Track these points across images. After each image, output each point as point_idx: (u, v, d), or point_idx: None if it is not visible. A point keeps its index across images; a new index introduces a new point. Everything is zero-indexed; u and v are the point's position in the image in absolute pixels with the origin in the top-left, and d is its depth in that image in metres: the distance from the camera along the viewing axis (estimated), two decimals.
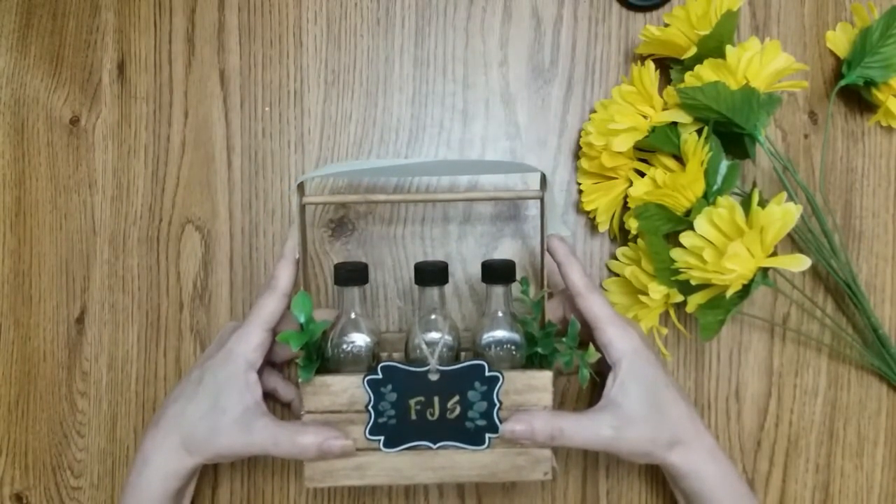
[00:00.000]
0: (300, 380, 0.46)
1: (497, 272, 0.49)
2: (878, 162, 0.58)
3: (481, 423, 0.47)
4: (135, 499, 0.48)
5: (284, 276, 0.49)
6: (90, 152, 0.59)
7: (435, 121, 0.58)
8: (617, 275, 0.56)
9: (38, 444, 0.58)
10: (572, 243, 0.57)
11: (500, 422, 0.46)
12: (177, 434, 0.48)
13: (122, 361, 0.58)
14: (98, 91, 0.59)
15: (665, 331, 0.56)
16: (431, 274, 0.48)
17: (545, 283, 0.50)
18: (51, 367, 0.58)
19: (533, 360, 0.49)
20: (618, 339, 0.47)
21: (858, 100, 0.58)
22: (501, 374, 0.46)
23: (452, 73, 0.58)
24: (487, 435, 0.47)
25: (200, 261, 0.58)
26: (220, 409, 0.47)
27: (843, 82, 0.55)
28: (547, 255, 0.50)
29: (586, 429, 0.46)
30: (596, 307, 0.48)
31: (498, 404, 0.46)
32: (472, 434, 0.47)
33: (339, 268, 0.49)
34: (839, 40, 0.58)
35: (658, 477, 0.56)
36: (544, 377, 0.47)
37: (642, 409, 0.47)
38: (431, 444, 0.47)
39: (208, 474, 0.57)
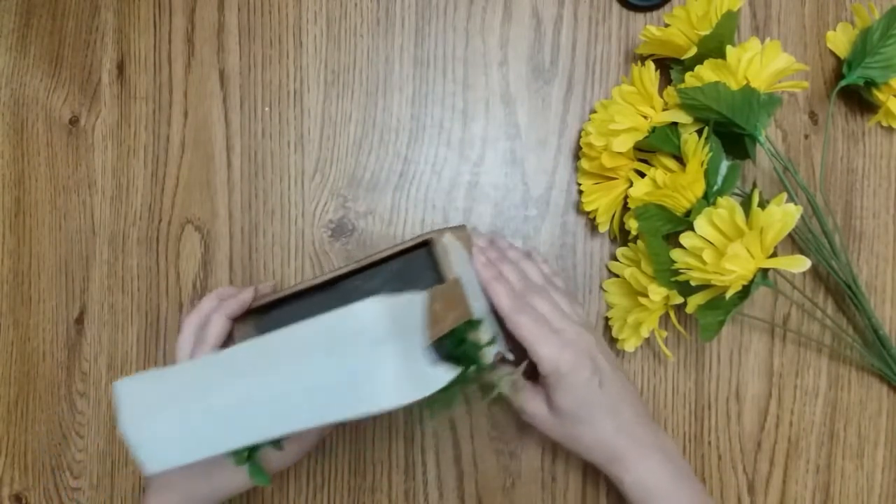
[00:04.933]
0: (260, 485, 0.46)
1: None
2: (878, 162, 0.58)
3: None
4: None
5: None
6: (89, 152, 0.59)
7: (435, 121, 0.58)
8: (617, 276, 0.56)
9: (38, 444, 0.58)
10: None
11: None
12: (180, 491, 0.47)
13: (121, 362, 0.58)
14: (97, 91, 0.59)
15: (665, 333, 0.56)
16: None
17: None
18: (50, 367, 0.58)
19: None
20: (546, 358, 0.46)
21: (859, 100, 0.57)
22: None
23: (452, 73, 0.58)
24: None
25: (200, 261, 0.58)
26: (207, 465, 0.45)
27: (843, 83, 0.55)
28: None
29: (517, 395, 0.49)
30: (523, 330, 0.46)
31: None
32: None
33: None
34: (839, 40, 0.57)
35: None
36: None
37: (563, 422, 0.47)
38: None
39: None
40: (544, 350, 0.46)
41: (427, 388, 0.38)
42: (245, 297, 0.49)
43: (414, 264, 0.47)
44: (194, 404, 0.39)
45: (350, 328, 0.37)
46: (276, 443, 0.45)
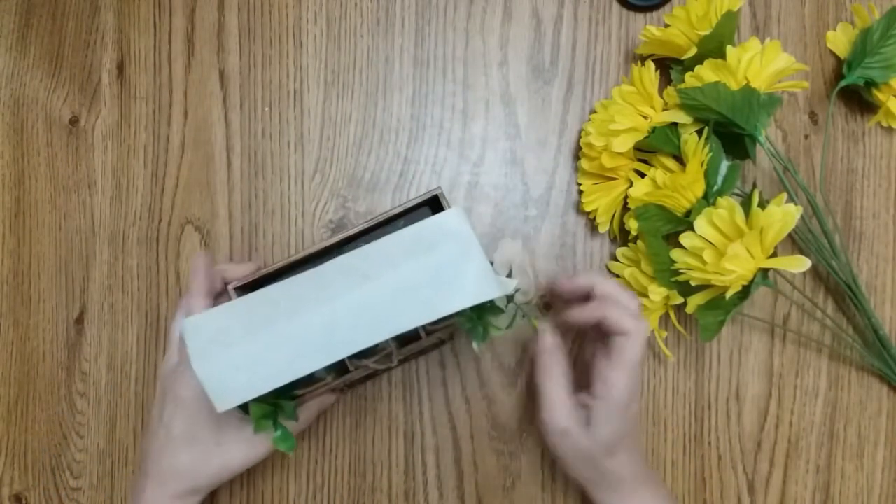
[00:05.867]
0: (285, 451, 0.46)
1: None
2: (878, 162, 0.58)
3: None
4: None
5: (198, 307, 0.47)
6: (89, 152, 0.59)
7: (435, 121, 0.58)
8: (617, 276, 0.56)
9: (38, 444, 0.58)
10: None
11: None
12: (180, 481, 0.47)
13: (121, 362, 0.58)
14: (98, 91, 0.59)
15: (664, 333, 0.56)
16: None
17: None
18: (50, 367, 0.58)
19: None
20: (612, 390, 0.45)
21: (859, 100, 0.57)
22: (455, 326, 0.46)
23: (452, 73, 0.58)
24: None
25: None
26: (215, 445, 0.47)
27: (843, 83, 0.55)
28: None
29: (550, 410, 0.46)
30: (626, 324, 0.45)
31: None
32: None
33: None
34: (840, 41, 0.57)
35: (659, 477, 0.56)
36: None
37: (598, 445, 0.46)
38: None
39: None
40: (627, 376, 0.45)
41: (501, 290, 0.40)
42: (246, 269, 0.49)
43: (418, 220, 0.48)
44: (267, 333, 0.40)
45: (439, 232, 0.40)
46: (292, 413, 0.45)
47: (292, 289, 0.42)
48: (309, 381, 0.46)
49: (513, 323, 0.47)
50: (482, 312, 0.45)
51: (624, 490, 0.47)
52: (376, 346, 0.44)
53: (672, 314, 0.52)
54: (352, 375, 0.46)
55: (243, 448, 0.47)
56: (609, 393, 0.45)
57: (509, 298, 0.47)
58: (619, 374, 0.45)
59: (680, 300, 0.50)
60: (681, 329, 0.55)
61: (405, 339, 0.46)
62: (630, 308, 0.46)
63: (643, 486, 0.48)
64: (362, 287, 0.40)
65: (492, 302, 0.44)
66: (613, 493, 0.47)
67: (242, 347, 0.40)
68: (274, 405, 0.44)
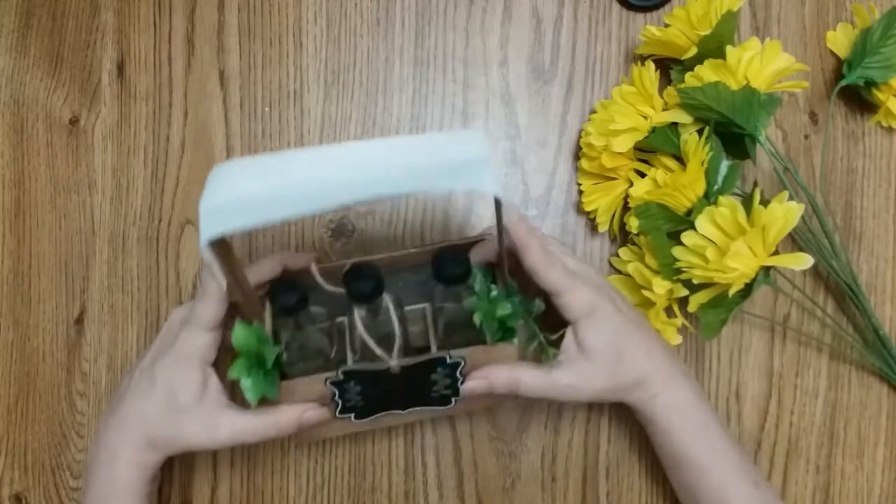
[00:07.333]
0: (249, 399, 0.45)
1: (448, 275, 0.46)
2: (878, 162, 0.58)
3: (446, 391, 0.48)
4: (107, 490, 0.48)
5: (214, 284, 0.47)
6: (89, 152, 0.59)
7: (435, 121, 0.58)
8: (619, 271, 0.56)
9: (38, 444, 0.58)
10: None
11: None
12: (141, 430, 0.48)
13: (121, 362, 0.58)
14: (97, 91, 0.59)
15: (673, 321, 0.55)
16: (364, 287, 0.44)
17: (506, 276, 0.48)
18: (50, 367, 0.58)
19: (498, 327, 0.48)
20: (574, 302, 0.47)
21: (859, 100, 0.58)
22: (464, 358, 0.46)
23: (452, 73, 0.58)
24: (452, 398, 0.48)
25: (200, 261, 0.58)
26: (181, 409, 0.47)
27: (843, 83, 0.55)
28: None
29: (544, 380, 0.47)
30: (552, 280, 0.47)
31: (461, 378, 0.47)
32: (437, 399, 0.48)
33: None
34: (839, 41, 0.58)
35: (660, 477, 0.56)
36: (508, 350, 0.47)
37: (602, 363, 0.47)
38: (400, 411, 0.49)
39: (208, 474, 0.57)
40: (570, 294, 0.46)
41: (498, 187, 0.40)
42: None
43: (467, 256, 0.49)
44: (275, 176, 0.39)
45: (462, 137, 0.41)
46: (273, 387, 0.45)
47: (315, 153, 0.41)
48: (303, 370, 0.46)
49: (530, 346, 0.48)
50: (493, 308, 0.45)
51: (652, 383, 0.48)
52: (378, 365, 0.45)
53: (675, 308, 0.52)
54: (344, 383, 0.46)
55: (200, 428, 0.47)
56: (574, 311, 0.47)
57: (529, 314, 0.47)
58: (565, 295, 0.46)
59: (684, 292, 0.50)
60: (684, 321, 0.55)
61: (411, 392, 0.48)
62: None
63: (672, 375, 0.49)
64: (376, 152, 0.40)
65: (510, 319, 0.45)
66: (638, 389, 0.49)
67: (248, 183, 0.39)
68: (260, 361, 0.44)
